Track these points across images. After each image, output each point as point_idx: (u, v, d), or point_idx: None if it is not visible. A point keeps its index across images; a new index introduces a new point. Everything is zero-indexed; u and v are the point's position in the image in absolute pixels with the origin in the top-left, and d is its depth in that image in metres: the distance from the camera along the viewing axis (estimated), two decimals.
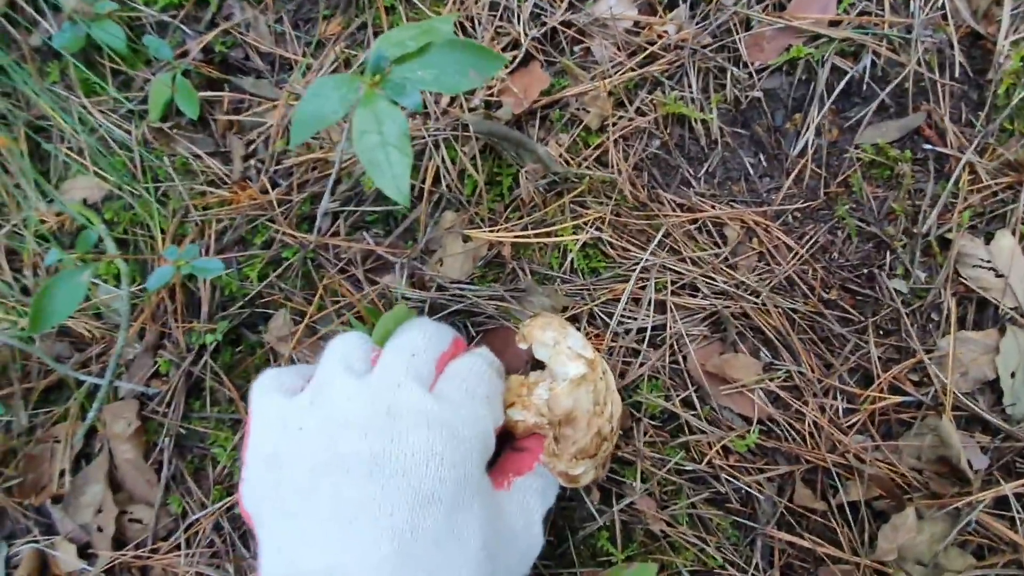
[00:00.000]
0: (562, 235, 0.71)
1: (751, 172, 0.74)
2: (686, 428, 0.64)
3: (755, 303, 0.68)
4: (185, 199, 0.75)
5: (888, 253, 0.67)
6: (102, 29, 0.76)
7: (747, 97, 0.74)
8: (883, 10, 0.72)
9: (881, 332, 0.65)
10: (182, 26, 0.81)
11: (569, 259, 0.71)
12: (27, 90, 0.77)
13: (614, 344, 0.67)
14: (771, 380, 0.65)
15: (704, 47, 0.74)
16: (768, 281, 0.69)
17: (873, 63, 0.71)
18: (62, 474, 0.70)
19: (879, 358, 0.64)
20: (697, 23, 0.75)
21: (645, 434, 0.64)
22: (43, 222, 0.78)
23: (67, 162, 0.79)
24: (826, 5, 0.73)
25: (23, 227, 0.77)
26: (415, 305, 0.70)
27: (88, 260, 0.61)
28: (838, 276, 0.68)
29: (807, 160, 0.72)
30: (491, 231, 0.72)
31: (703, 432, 0.63)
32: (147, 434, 0.71)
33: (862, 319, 0.66)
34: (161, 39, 0.79)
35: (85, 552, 0.68)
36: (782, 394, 0.64)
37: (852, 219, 0.69)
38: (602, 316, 0.68)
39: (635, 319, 0.68)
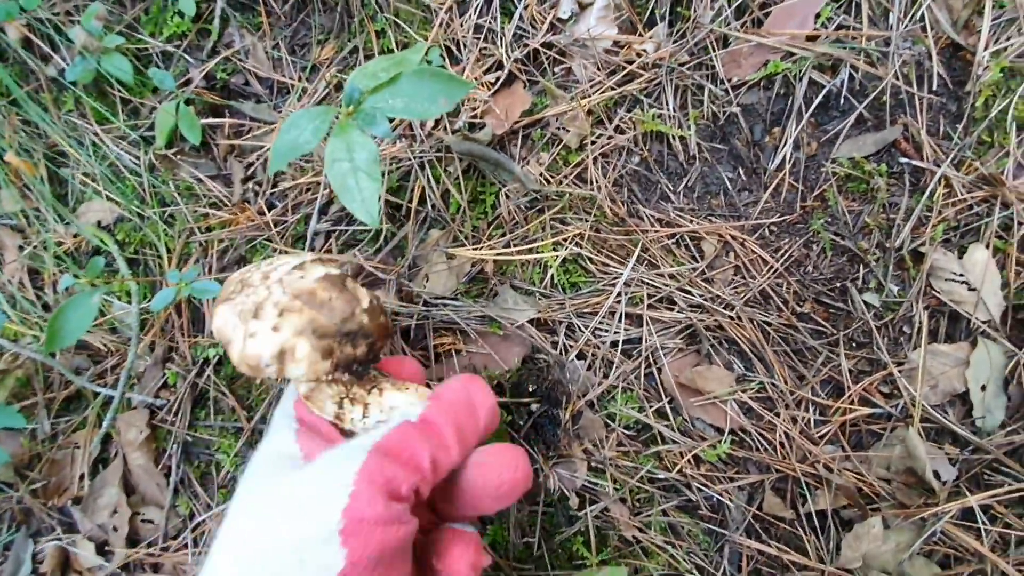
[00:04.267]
0: (543, 251, 0.74)
1: (729, 186, 0.76)
2: (659, 438, 0.67)
3: (730, 316, 0.69)
4: (189, 221, 0.80)
5: (861, 266, 0.68)
6: (111, 63, 0.81)
7: (725, 113, 0.75)
8: (861, 23, 0.72)
9: (853, 345, 0.67)
10: (185, 55, 0.86)
11: (549, 274, 0.73)
12: (42, 123, 0.83)
13: (590, 355, 0.70)
14: (744, 391, 0.67)
15: (682, 65, 0.75)
16: (743, 294, 0.70)
17: (851, 76, 0.72)
18: (81, 478, 0.76)
19: (850, 370, 0.65)
20: (675, 41, 0.76)
21: (619, 444, 0.66)
22: (60, 243, 0.84)
23: (82, 187, 0.85)
24: (804, 20, 0.74)
25: (43, 248, 0.83)
26: (405, 321, 0.73)
27: (99, 283, 0.66)
28: (812, 289, 0.69)
29: (785, 174, 0.73)
30: (474, 248, 0.75)
31: (675, 442, 0.66)
32: (157, 441, 0.76)
33: (834, 332, 0.67)
34: (165, 70, 0.84)
35: (102, 549, 0.73)
36: (754, 405, 0.66)
37: (827, 233, 0.70)
38: (580, 328, 0.71)
39: (612, 331, 0.70)
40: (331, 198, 0.78)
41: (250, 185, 0.82)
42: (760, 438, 0.66)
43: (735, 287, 0.71)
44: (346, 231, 0.78)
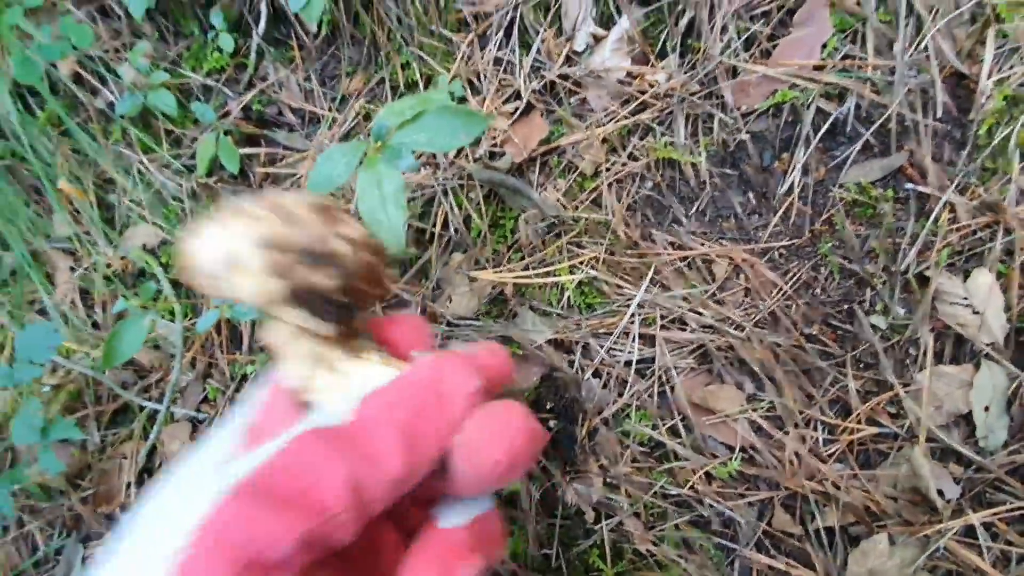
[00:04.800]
0: (560, 274, 0.77)
1: (740, 210, 0.78)
2: (672, 455, 0.70)
3: (740, 337, 0.72)
4: None
5: (868, 290, 0.70)
6: (156, 97, 0.87)
7: (735, 140, 0.78)
8: (867, 53, 0.75)
9: (860, 366, 0.69)
10: (224, 88, 0.92)
11: (566, 296, 0.77)
12: (92, 152, 0.89)
13: (606, 374, 0.73)
14: (754, 410, 0.70)
15: (692, 94, 0.79)
16: (753, 316, 0.73)
17: (857, 104, 0.75)
18: (128, 486, 0.81)
19: (858, 391, 0.67)
20: (686, 72, 0.80)
21: (633, 460, 0.70)
22: (109, 265, 0.90)
23: (128, 212, 0.91)
24: (810, 51, 0.77)
25: (93, 270, 0.89)
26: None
27: (149, 306, 0.71)
28: (820, 311, 0.72)
29: (793, 198, 0.76)
30: (495, 271, 0.79)
31: (687, 459, 0.69)
32: None
33: (842, 353, 0.69)
34: (206, 103, 0.90)
35: None
36: (764, 424, 0.69)
37: (835, 256, 0.73)
38: (595, 348, 0.74)
39: (627, 351, 0.73)
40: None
41: None
42: (770, 456, 0.69)
43: (745, 309, 0.74)
44: None
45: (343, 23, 0.91)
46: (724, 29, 0.78)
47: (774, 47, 0.78)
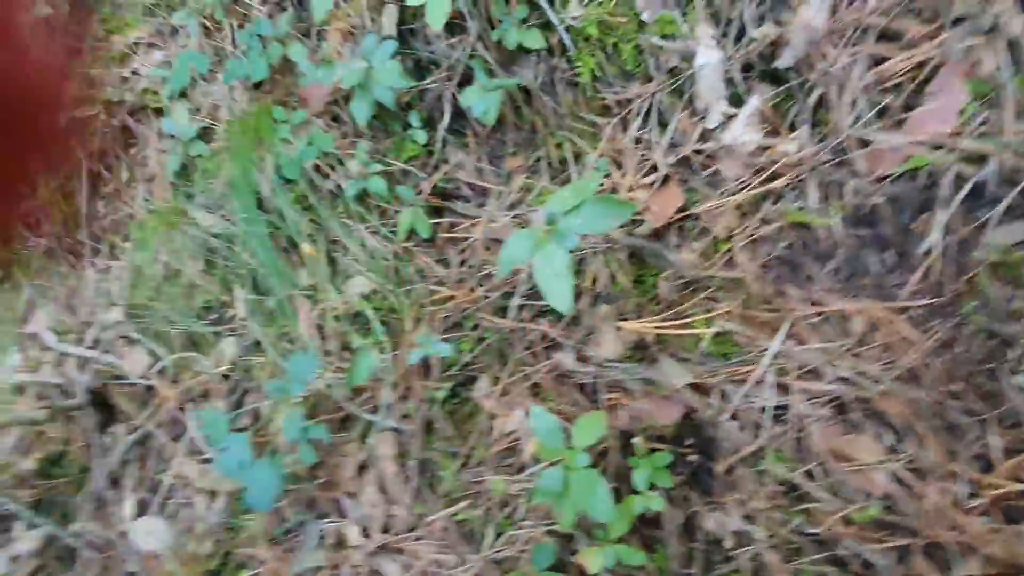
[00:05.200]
0: (696, 326, 0.88)
1: (877, 269, 0.84)
2: (808, 497, 0.76)
3: (878, 391, 0.77)
4: (421, 294, 1.10)
5: (1012, 350, 0.72)
6: (373, 183, 1.15)
7: (869, 203, 0.84)
8: (1004, 119, 0.77)
9: (1004, 424, 0.70)
10: (417, 171, 1.18)
11: (702, 345, 0.88)
12: (325, 222, 1.20)
13: (742, 418, 0.82)
14: (893, 462, 0.74)
15: (823, 163, 0.86)
16: (892, 371, 0.78)
17: (1000, 167, 0.77)
18: (350, 478, 1.06)
19: (1003, 448, 0.69)
20: (817, 142, 0.88)
21: (770, 498, 0.78)
22: (335, 308, 1.19)
23: (349, 267, 1.20)
24: (945, 118, 0.81)
25: (324, 312, 1.19)
26: (582, 379, 0.93)
27: (376, 343, 0.96)
28: (962, 369, 0.74)
29: (934, 258, 0.80)
30: (637, 322, 0.92)
31: (824, 502, 0.75)
32: (401, 456, 1.04)
33: (985, 411, 0.71)
34: (405, 184, 1.16)
35: (365, 533, 1.02)
36: (904, 475, 0.73)
37: (978, 316, 0.75)
38: (731, 394, 0.84)
39: (762, 398, 0.82)
40: (521, 280, 1.02)
41: (464, 268, 1.09)
42: (910, 505, 0.73)
43: (884, 364, 0.79)
44: (535, 304, 1.01)
45: (508, 115, 1.12)
46: (854, 103, 0.85)
47: (907, 116, 0.83)
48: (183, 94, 1.51)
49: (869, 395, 0.77)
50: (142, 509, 1.23)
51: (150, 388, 1.34)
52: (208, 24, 1.46)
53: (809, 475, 0.77)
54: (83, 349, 1.46)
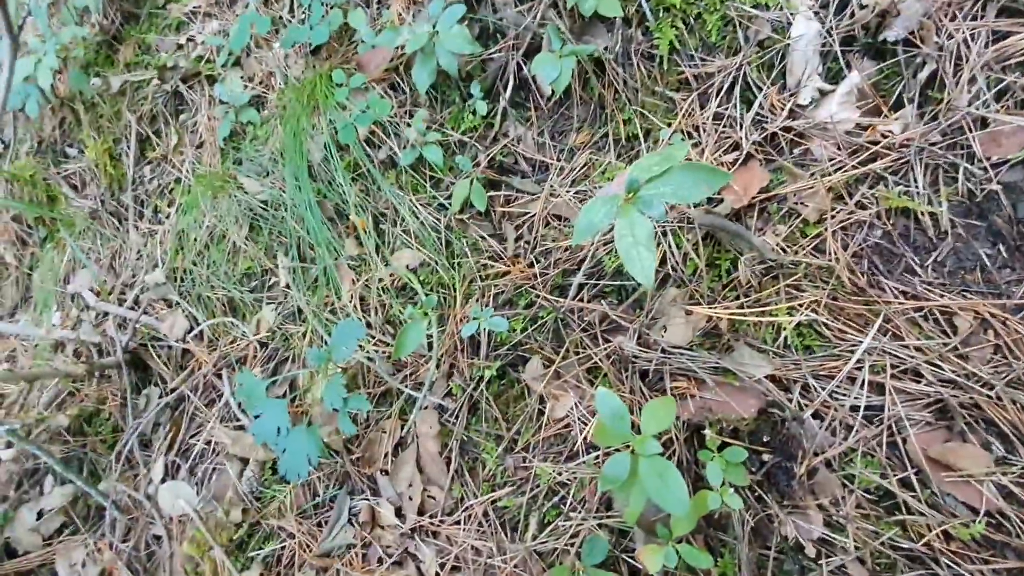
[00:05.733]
0: (777, 315, 0.81)
1: (987, 263, 0.75)
2: (903, 507, 0.68)
3: (988, 395, 0.69)
4: (473, 269, 1.05)
5: None
6: (428, 151, 1.10)
7: (983, 190, 0.76)
8: None
9: None
10: (476, 143, 1.13)
11: (783, 336, 0.80)
12: (375, 191, 1.16)
13: (828, 417, 0.74)
14: (1004, 474, 0.66)
15: (932, 144, 0.79)
16: (1005, 374, 0.69)
17: None
18: (386, 455, 1.02)
19: None
20: (925, 123, 0.80)
21: (858, 506, 0.70)
22: (380, 280, 1.14)
23: (396, 239, 1.15)
24: None
25: (368, 283, 1.15)
26: (644, 364, 0.86)
27: (425, 315, 0.91)
28: None
29: None
30: (709, 307, 0.85)
31: (922, 514, 0.67)
32: (442, 436, 0.99)
33: None
34: (463, 155, 1.11)
35: (399, 513, 0.97)
36: (1015, 489, 0.65)
37: None
38: (816, 389, 0.76)
39: (852, 396, 0.74)
40: (585, 256, 0.96)
41: (520, 243, 1.04)
42: (1021, 524, 0.64)
43: (995, 366, 0.70)
44: (596, 284, 0.95)
45: (575, 88, 1.07)
46: (972, 80, 0.78)
47: None
48: (237, 62, 1.50)
49: (977, 400, 0.69)
50: (171, 472, 1.21)
51: (187, 352, 1.32)
52: None
53: (905, 484, 0.69)
54: (123, 309, 1.45)
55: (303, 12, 1.39)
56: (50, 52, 1.52)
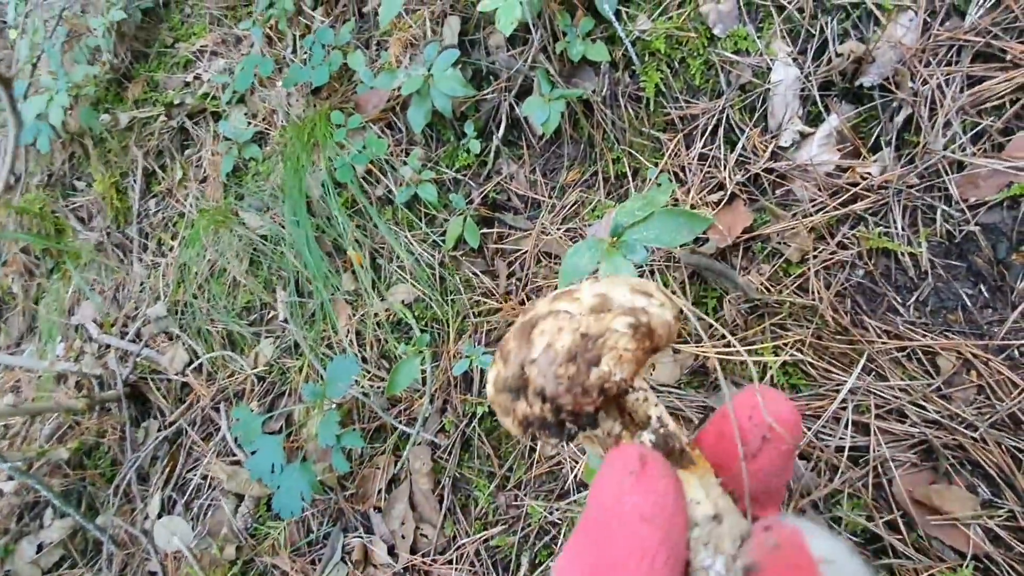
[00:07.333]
0: (763, 353, 0.82)
1: (969, 303, 0.76)
2: (890, 551, 0.68)
3: (973, 437, 0.69)
4: (466, 306, 1.06)
5: None
6: (423, 189, 1.13)
7: (961, 231, 0.78)
8: None
9: None
10: (469, 181, 1.16)
11: (769, 375, 0.81)
12: (371, 228, 1.19)
13: (814, 457, 0.75)
14: (990, 517, 0.66)
15: (910, 187, 0.80)
16: (988, 416, 0.70)
17: None
18: (379, 492, 1.02)
19: None
20: (903, 165, 0.82)
21: None
22: (376, 315, 1.16)
23: (392, 274, 1.18)
24: None
25: (364, 317, 1.17)
26: None
27: (419, 352, 0.92)
28: None
29: None
30: (697, 346, 0.87)
31: (909, 558, 0.67)
32: (435, 473, 1.00)
33: None
34: (456, 193, 1.14)
35: (392, 551, 0.97)
36: (1002, 533, 0.65)
37: None
38: (802, 429, 0.77)
39: (837, 437, 0.75)
40: None
41: (512, 280, 1.06)
42: (1009, 569, 0.64)
43: (978, 407, 0.71)
44: None
45: (565, 128, 1.10)
46: (948, 124, 0.80)
47: (1007, 140, 0.77)
48: (241, 99, 1.54)
49: (962, 441, 0.69)
50: (168, 508, 1.21)
51: (185, 385, 1.34)
52: (271, 34, 1.50)
53: (891, 526, 0.69)
54: (125, 342, 1.47)
55: (305, 53, 1.44)
56: (62, 90, 1.57)
